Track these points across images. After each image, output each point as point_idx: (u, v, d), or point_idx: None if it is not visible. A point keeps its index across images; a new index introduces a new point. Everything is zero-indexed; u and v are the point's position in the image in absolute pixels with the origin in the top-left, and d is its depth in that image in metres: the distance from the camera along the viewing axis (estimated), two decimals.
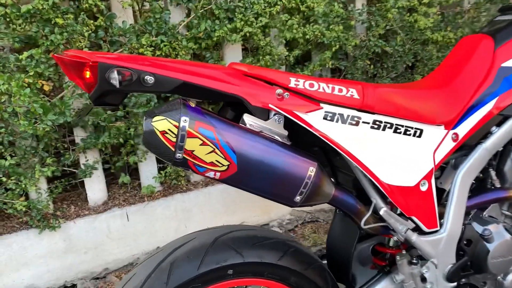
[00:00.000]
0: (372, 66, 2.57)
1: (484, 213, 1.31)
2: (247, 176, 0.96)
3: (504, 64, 1.24)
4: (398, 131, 1.11)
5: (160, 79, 0.91)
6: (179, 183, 2.33)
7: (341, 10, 2.33)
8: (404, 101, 1.13)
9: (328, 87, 1.05)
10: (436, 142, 1.16)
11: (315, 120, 1.02)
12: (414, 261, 1.22)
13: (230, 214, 2.47)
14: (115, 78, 0.85)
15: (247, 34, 2.15)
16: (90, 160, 2.12)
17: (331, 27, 2.32)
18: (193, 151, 0.90)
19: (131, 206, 2.25)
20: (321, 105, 1.04)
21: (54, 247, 2.10)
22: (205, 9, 2.07)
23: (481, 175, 1.36)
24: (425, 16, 2.54)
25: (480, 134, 1.23)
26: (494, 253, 1.23)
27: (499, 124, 1.25)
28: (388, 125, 1.10)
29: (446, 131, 1.18)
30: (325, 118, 1.03)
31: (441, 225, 1.20)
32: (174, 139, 0.89)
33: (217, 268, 1.07)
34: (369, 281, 1.28)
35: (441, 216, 1.21)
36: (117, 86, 0.86)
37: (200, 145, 0.90)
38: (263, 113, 1.01)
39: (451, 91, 1.22)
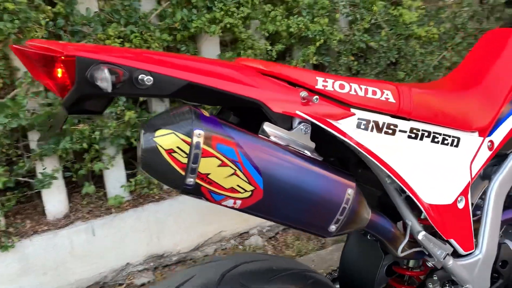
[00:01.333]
0: (356, 62, 2.42)
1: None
2: (275, 203, 0.76)
3: None
4: (436, 140, 0.95)
5: (159, 79, 0.69)
6: (151, 191, 2.09)
7: (327, 2, 2.16)
8: (440, 104, 0.97)
9: (361, 89, 0.86)
10: (473, 151, 1.01)
11: (348, 129, 0.84)
12: (447, 287, 1.07)
13: (207, 223, 2.26)
14: (106, 78, 0.63)
15: (228, 26, 1.94)
16: (48, 168, 1.84)
17: (315, 19, 2.15)
18: (209, 174, 0.69)
19: (97, 219, 1.99)
20: (352, 110, 0.86)
21: (7, 270, 1.81)
22: None
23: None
24: (409, 10, 2.43)
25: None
26: None
27: None
28: (426, 134, 0.93)
29: (482, 138, 1.03)
30: (358, 127, 0.85)
31: (475, 245, 1.06)
32: (185, 160, 0.67)
33: None
34: None
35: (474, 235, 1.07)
36: (109, 89, 0.64)
37: (219, 166, 0.70)
38: (285, 122, 0.82)
39: (482, 92, 1.07)
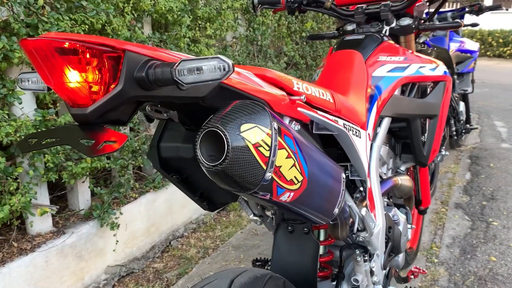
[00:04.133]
0: None
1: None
2: (311, 192, 0.79)
3: (374, 74, 1.47)
4: (354, 133, 1.15)
5: None
6: None
7: (143, 36, 2.17)
8: (347, 105, 1.18)
9: (316, 90, 0.99)
10: (365, 142, 1.26)
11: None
12: (366, 258, 1.26)
13: None
14: (224, 65, 0.56)
15: None
16: None
17: None
18: (280, 167, 0.68)
19: None
20: (314, 109, 0.97)
21: None
22: None
23: None
24: (207, 48, 2.67)
25: (374, 134, 1.41)
26: (403, 233, 1.42)
27: (379, 125, 1.46)
28: (349, 127, 1.12)
29: (364, 131, 1.30)
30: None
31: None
32: (267, 153, 0.64)
33: None
34: None
35: None
36: (184, 85, 0.58)
37: (286, 158, 0.69)
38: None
39: (355, 97, 1.35)
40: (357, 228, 1.17)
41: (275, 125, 0.67)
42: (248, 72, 0.81)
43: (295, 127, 0.88)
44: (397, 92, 1.56)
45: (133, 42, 0.67)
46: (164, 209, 2.61)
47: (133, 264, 2.39)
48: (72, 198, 2.19)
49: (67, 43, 0.57)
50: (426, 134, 1.70)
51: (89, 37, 0.57)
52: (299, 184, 0.75)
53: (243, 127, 0.64)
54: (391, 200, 1.68)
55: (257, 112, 0.67)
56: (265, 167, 0.65)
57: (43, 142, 0.61)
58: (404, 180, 1.54)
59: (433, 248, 2.53)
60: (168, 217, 2.65)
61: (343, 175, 0.93)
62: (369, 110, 1.38)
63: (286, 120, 0.87)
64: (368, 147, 1.29)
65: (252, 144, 0.63)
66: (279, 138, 0.68)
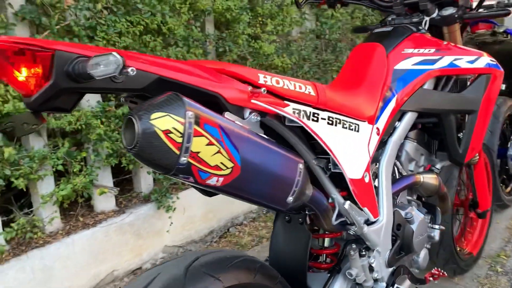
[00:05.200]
0: None
1: (397, 199, 1.45)
2: (249, 179, 0.85)
3: (396, 67, 1.42)
4: (345, 126, 1.15)
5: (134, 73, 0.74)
6: (36, 235, 1.89)
7: (200, 34, 2.33)
8: (343, 99, 1.19)
9: (291, 84, 1.02)
10: (367, 136, 1.24)
11: (291, 115, 0.98)
12: (363, 253, 1.25)
13: (99, 263, 2.12)
14: (114, 61, 0.65)
15: None
16: None
17: (191, 50, 2.29)
18: (199, 152, 0.75)
19: None
20: (286, 102, 1.00)
21: None
22: (61, 25, 1.78)
23: None
24: (267, 43, 2.75)
25: (390, 129, 1.37)
26: (416, 232, 1.37)
27: (400, 119, 1.42)
28: (338, 121, 1.13)
29: (371, 125, 1.27)
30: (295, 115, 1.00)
31: (379, 213, 1.27)
32: (180, 140, 0.72)
33: None
34: (326, 284, 1.25)
35: None
36: (117, 73, 0.66)
37: (206, 145, 0.76)
38: (239, 112, 0.92)
39: (365, 90, 1.33)
40: (347, 222, 1.17)
41: (190, 114, 0.74)
42: (203, 66, 0.88)
43: (255, 118, 0.93)
44: (427, 85, 1.50)
45: (66, 42, 0.78)
46: (224, 197, 2.74)
47: (190, 246, 2.57)
48: (137, 182, 2.44)
49: (20, 48, 0.70)
50: (464, 131, 1.59)
51: (27, 40, 0.69)
52: (228, 170, 0.80)
53: (154, 115, 0.71)
54: (423, 199, 1.61)
55: (173, 102, 0.74)
56: (178, 152, 0.73)
57: (6, 124, 0.76)
58: (428, 178, 1.47)
59: (501, 256, 2.32)
60: (227, 205, 2.79)
61: (301, 166, 0.95)
62: (384, 104, 1.35)
63: (246, 112, 0.93)
64: (374, 142, 1.27)
65: (162, 131, 0.71)
66: (195, 127, 0.74)
